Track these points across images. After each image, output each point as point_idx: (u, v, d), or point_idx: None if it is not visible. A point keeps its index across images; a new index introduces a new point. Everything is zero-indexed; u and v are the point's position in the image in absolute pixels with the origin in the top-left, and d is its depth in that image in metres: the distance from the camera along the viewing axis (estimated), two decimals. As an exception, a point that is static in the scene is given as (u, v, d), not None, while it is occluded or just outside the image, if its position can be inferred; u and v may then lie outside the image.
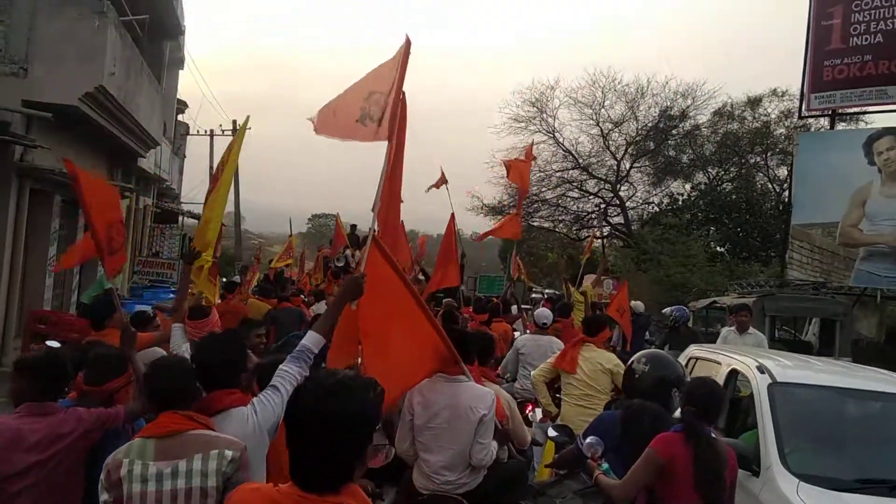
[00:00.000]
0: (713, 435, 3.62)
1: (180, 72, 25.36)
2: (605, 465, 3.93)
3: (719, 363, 5.93)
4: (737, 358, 5.71)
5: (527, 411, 6.98)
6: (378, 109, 4.31)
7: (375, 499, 4.47)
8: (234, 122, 28.09)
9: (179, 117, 29.56)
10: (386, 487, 4.88)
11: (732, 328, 9.74)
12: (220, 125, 29.18)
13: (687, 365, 6.44)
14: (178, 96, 26.54)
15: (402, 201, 5.60)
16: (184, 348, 4.85)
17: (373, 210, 4.32)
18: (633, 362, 4.40)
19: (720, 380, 5.41)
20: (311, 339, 3.39)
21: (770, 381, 4.93)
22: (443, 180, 12.06)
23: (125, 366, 3.92)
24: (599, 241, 37.12)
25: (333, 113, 4.79)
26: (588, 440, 4.04)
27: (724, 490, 3.52)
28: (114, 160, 15.98)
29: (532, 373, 6.71)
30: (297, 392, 2.05)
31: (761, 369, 5.07)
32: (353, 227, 23.53)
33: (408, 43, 4.35)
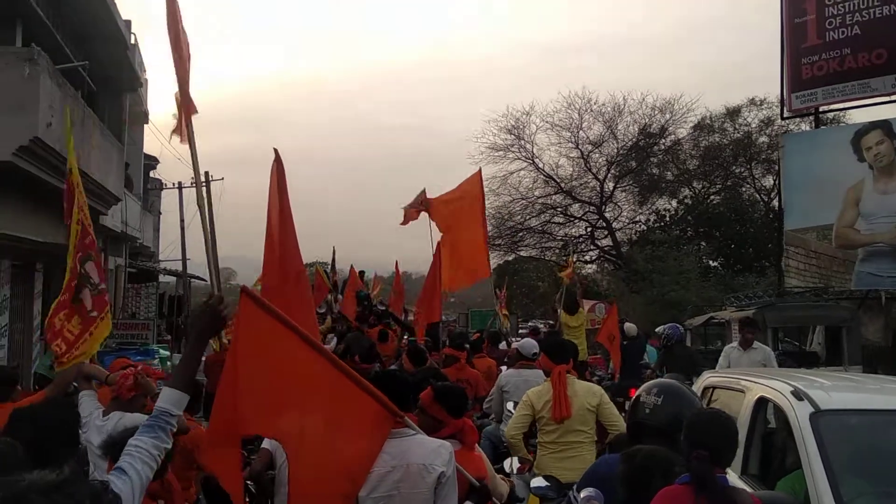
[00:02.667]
0: (729, 484, 2.81)
1: (147, 127, 24.77)
2: None
3: (742, 391, 4.95)
4: (764, 383, 4.71)
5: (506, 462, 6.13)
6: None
7: None
8: (206, 173, 27.37)
9: (151, 173, 28.93)
10: None
11: (735, 345, 9.13)
12: (191, 178, 28.37)
13: (703, 396, 5.55)
14: (154, 153, 26.05)
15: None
16: (94, 415, 4.24)
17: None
18: (640, 394, 3.61)
19: (746, 411, 4.60)
20: (168, 399, 2.58)
21: (812, 409, 3.93)
22: (423, 200, 11.43)
23: None
24: (591, 264, 36.56)
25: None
26: (585, 493, 3.24)
27: None
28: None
29: (504, 429, 5.75)
30: None
31: (798, 395, 4.06)
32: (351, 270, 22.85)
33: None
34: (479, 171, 11.55)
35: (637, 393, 3.69)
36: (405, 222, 11.80)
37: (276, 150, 5.23)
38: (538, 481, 4.32)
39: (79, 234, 5.49)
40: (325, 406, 3.39)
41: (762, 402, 4.58)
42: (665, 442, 3.20)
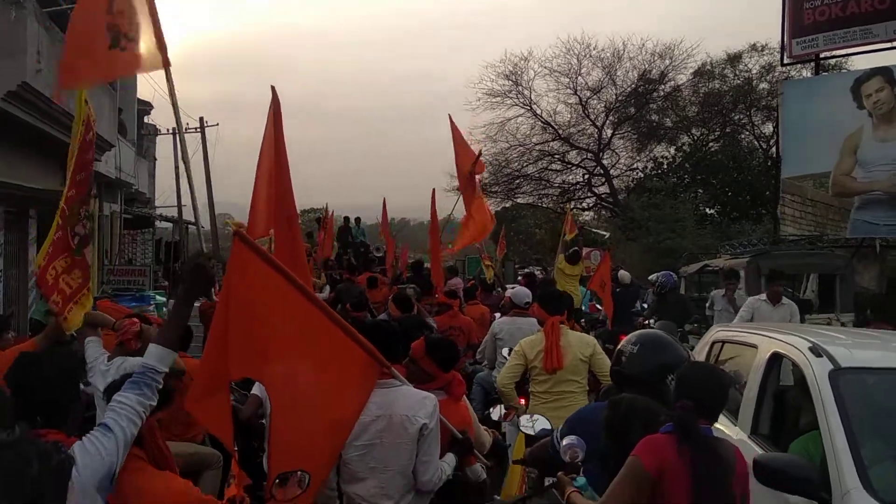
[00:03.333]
0: (713, 435, 2.81)
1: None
2: (582, 480, 3.10)
3: (755, 346, 4.64)
4: (779, 338, 4.38)
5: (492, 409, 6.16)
6: (132, 26, 3.60)
7: None
8: (201, 118, 27.09)
9: (146, 119, 28.65)
10: None
11: (763, 297, 8.86)
12: (187, 123, 28.07)
13: (710, 351, 5.38)
14: (147, 97, 25.71)
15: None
16: (100, 360, 4.22)
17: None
18: (623, 343, 3.62)
19: (758, 368, 4.35)
20: (155, 356, 2.59)
21: (831, 366, 3.64)
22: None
23: None
24: (587, 211, 36.48)
25: (77, 54, 4.15)
26: (567, 441, 3.24)
27: None
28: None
29: (497, 378, 5.75)
30: None
31: (816, 351, 3.76)
32: (347, 219, 22.74)
33: None
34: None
35: (622, 345, 3.68)
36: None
37: (273, 89, 5.21)
38: (527, 422, 4.35)
39: (71, 173, 5.04)
40: (313, 354, 3.37)
41: (776, 359, 4.30)
42: (645, 391, 3.22)
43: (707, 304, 10.22)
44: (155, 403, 2.57)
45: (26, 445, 1.23)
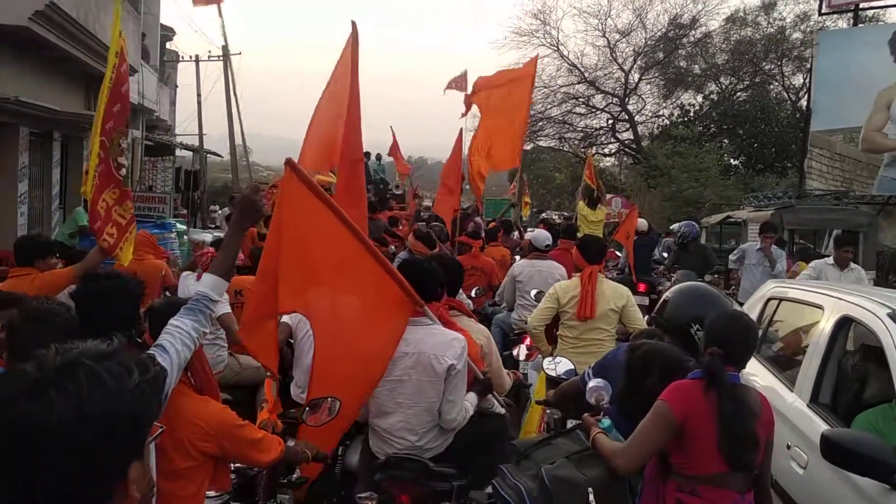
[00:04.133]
0: (740, 382, 2.82)
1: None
2: (607, 422, 3.12)
3: (820, 307, 4.20)
4: (850, 300, 3.94)
5: (514, 350, 6.20)
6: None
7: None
8: (224, 46, 26.83)
9: (167, 45, 28.40)
10: (357, 437, 4.17)
11: (830, 262, 8.42)
12: (209, 51, 27.84)
13: (764, 308, 5.06)
14: (171, 24, 25.46)
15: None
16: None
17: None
18: (668, 294, 3.66)
19: (824, 331, 3.96)
20: (209, 284, 2.65)
21: None
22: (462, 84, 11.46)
23: None
24: (610, 157, 36.10)
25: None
26: (593, 383, 3.27)
27: (758, 450, 2.74)
28: (91, 89, 15.07)
29: (528, 321, 5.75)
30: None
31: None
32: (367, 154, 22.29)
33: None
34: (536, 56, 11.28)
35: (665, 294, 3.70)
36: (466, 111, 11.68)
37: (353, 23, 5.08)
38: (551, 363, 4.38)
39: (106, 105, 5.04)
40: (355, 288, 3.47)
41: (845, 322, 3.89)
42: (682, 339, 3.24)
43: (734, 258, 9.84)
44: (208, 330, 2.66)
45: (125, 356, 1.27)
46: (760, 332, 4.87)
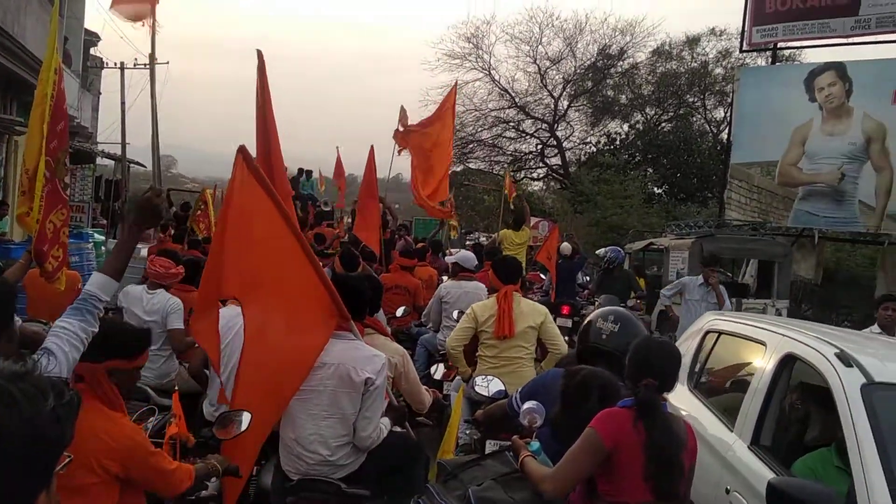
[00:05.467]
0: (668, 410, 2.85)
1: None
2: (536, 445, 3.13)
3: (762, 343, 4.03)
4: (793, 337, 3.78)
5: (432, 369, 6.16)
6: None
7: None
8: (151, 55, 26.23)
9: (91, 50, 27.59)
10: (273, 458, 4.06)
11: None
12: (135, 58, 27.21)
13: (702, 342, 4.94)
14: (96, 29, 24.71)
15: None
16: None
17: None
18: (595, 319, 3.65)
19: (766, 369, 3.81)
20: (97, 283, 2.59)
21: (864, 380, 3.11)
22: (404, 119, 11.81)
23: None
24: (538, 181, 36.61)
25: None
26: (527, 405, 3.30)
27: (683, 480, 2.79)
28: (7, 92, 14.52)
29: (446, 342, 5.74)
30: None
31: (846, 360, 3.22)
32: (301, 171, 21.99)
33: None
34: (455, 84, 11.65)
35: (590, 318, 3.71)
36: (401, 149, 12.02)
37: (259, 53, 5.16)
38: (481, 384, 4.34)
39: (49, 122, 4.83)
40: (289, 287, 3.49)
41: (788, 360, 3.73)
42: (614, 366, 3.25)
43: (668, 293, 9.58)
44: (96, 329, 2.55)
45: (40, 377, 1.19)
46: (698, 367, 4.85)
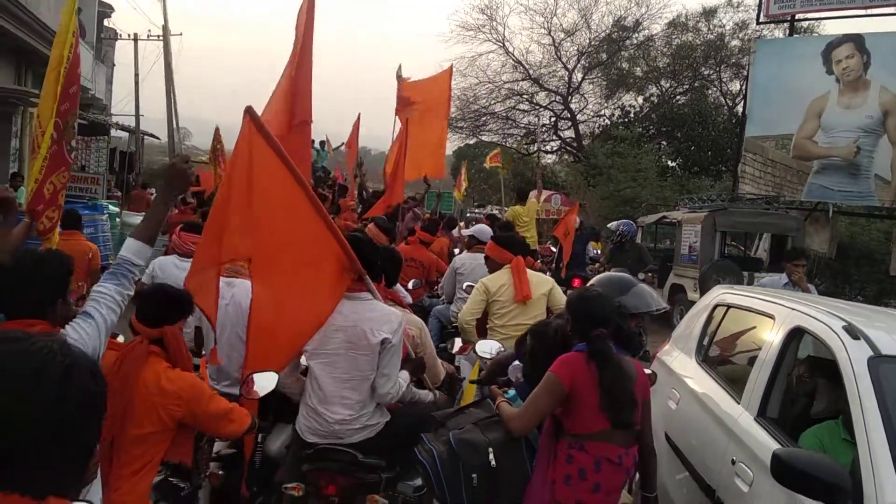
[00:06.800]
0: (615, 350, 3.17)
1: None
2: (511, 393, 3.59)
3: (771, 316, 4.00)
4: (802, 310, 3.75)
5: (448, 343, 6.21)
6: None
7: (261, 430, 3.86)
8: (164, 26, 26.25)
9: (105, 22, 27.60)
10: (279, 425, 4.16)
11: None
12: (149, 30, 27.19)
13: (711, 315, 4.92)
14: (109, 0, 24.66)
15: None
16: None
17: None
18: (588, 285, 3.91)
19: (774, 342, 3.77)
20: (131, 249, 2.69)
21: (871, 353, 3.08)
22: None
23: None
24: (551, 154, 36.47)
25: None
26: (514, 363, 3.71)
27: (636, 409, 3.13)
28: (21, 63, 14.61)
29: (459, 314, 5.80)
30: None
31: (853, 333, 3.19)
32: (312, 141, 22.02)
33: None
34: (450, 68, 11.48)
35: (591, 282, 3.94)
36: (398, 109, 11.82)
37: None
38: (482, 346, 4.48)
39: (63, 84, 4.91)
40: (300, 244, 3.51)
41: (796, 333, 3.69)
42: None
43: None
44: (132, 293, 2.70)
45: (49, 340, 1.27)
46: (707, 340, 4.87)
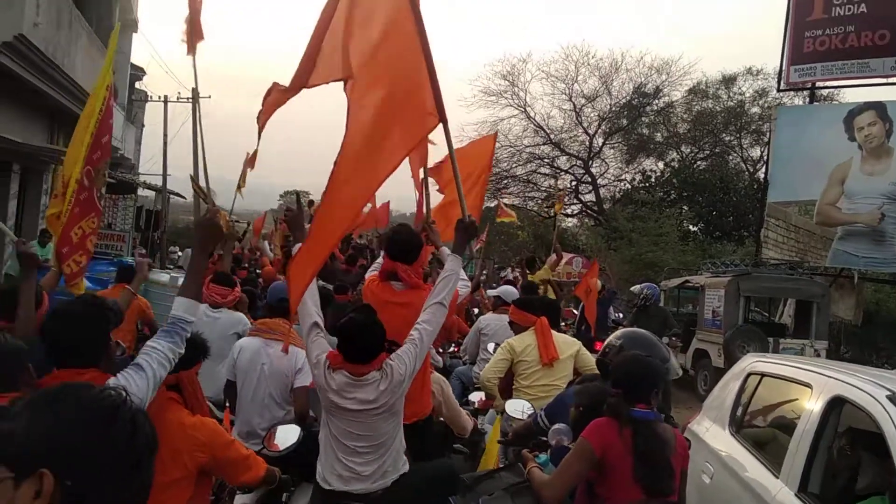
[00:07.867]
0: (655, 416, 3.08)
1: (135, 36, 24.11)
2: (543, 457, 3.48)
3: (808, 385, 3.89)
4: (842, 379, 3.63)
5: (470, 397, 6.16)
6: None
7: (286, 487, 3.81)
8: (193, 89, 26.81)
9: (136, 84, 28.34)
10: (303, 485, 4.09)
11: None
12: (178, 92, 27.84)
13: (744, 385, 4.82)
14: (142, 63, 25.35)
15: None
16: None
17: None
18: (610, 339, 3.88)
19: (813, 412, 3.66)
20: (181, 307, 2.76)
21: None
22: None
23: None
24: (572, 217, 36.54)
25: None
26: (556, 427, 3.55)
27: (672, 479, 3.01)
28: (54, 123, 14.95)
29: (481, 374, 5.74)
30: None
31: None
32: (311, 202, 22.20)
33: None
34: (495, 135, 11.52)
35: (610, 339, 3.90)
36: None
37: None
38: (512, 405, 4.45)
39: (94, 134, 5.06)
40: (403, 74, 3.62)
41: (836, 403, 3.56)
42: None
43: None
44: (183, 351, 2.74)
45: (113, 388, 1.37)
46: (741, 410, 4.72)
